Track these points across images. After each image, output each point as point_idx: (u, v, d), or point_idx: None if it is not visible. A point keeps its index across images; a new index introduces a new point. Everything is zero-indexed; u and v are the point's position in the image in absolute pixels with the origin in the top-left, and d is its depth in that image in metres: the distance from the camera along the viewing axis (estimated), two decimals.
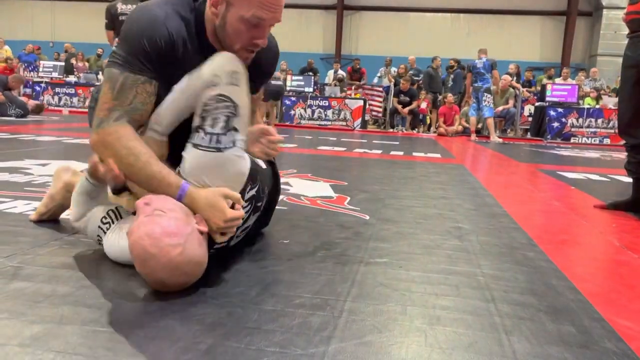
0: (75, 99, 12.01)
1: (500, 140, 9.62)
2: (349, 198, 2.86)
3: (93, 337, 1.07)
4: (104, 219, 1.57)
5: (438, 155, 6.06)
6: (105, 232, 1.56)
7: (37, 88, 12.02)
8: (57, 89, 12.13)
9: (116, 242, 1.51)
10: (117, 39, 6.34)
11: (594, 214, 2.88)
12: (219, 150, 1.40)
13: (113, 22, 5.96)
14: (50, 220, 1.98)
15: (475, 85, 9.54)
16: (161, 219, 1.30)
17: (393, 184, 3.59)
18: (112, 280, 1.42)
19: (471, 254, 1.88)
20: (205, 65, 1.45)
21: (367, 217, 2.40)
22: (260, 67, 1.69)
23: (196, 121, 1.42)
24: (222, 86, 1.41)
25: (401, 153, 6.23)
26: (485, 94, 9.48)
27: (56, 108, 11.84)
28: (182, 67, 1.47)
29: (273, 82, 8.03)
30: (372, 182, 3.59)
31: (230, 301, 1.30)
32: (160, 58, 1.45)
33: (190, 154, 1.43)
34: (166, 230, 1.28)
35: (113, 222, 1.56)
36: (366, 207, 2.63)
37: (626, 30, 2.87)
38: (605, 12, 15.19)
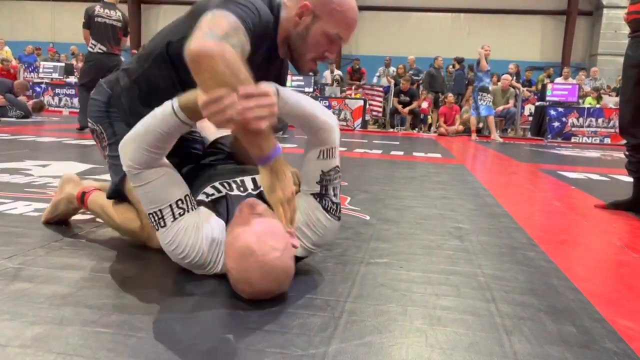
0: (75, 100, 11.99)
1: (501, 140, 9.62)
2: (349, 198, 2.86)
3: (94, 338, 1.07)
4: (179, 202, 1.37)
5: (438, 155, 6.06)
6: (175, 218, 1.36)
7: (38, 89, 12.02)
8: (58, 90, 12.14)
9: (189, 237, 1.36)
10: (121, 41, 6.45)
11: (595, 213, 2.88)
12: (339, 219, 1.53)
13: (89, 22, 6.29)
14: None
15: (474, 85, 9.56)
16: (269, 220, 1.31)
17: (393, 184, 3.59)
18: (112, 281, 1.42)
19: (472, 254, 1.88)
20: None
21: (368, 217, 2.40)
22: (283, 80, 1.79)
23: (315, 187, 1.48)
24: (337, 158, 1.53)
25: (401, 153, 6.23)
26: (481, 92, 9.46)
27: (56, 109, 11.85)
28: (251, 55, 1.42)
29: None
30: (372, 182, 3.59)
31: (230, 302, 1.30)
32: (258, 35, 1.43)
33: (322, 217, 1.49)
34: (272, 231, 1.28)
35: (188, 211, 1.39)
36: (367, 207, 2.63)
37: (627, 30, 2.87)
38: (605, 11, 15.18)
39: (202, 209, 1.45)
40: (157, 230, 1.38)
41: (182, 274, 1.45)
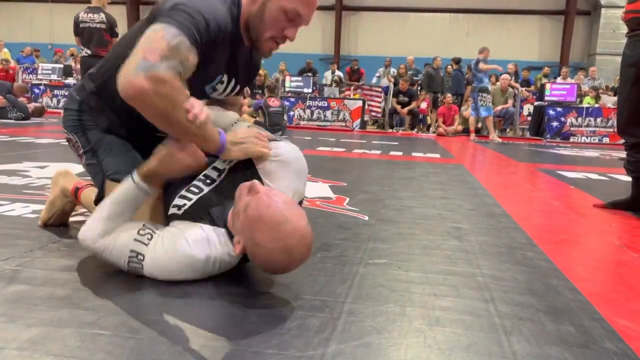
0: None
1: (499, 139, 9.62)
2: (348, 199, 2.86)
3: (91, 340, 1.07)
4: (140, 231, 1.39)
5: (437, 156, 6.06)
6: (146, 244, 1.38)
7: (36, 90, 12.01)
8: (56, 91, 12.12)
9: (171, 247, 1.37)
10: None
11: (594, 213, 2.88)
12: None
13: (76, 28, 6.45)
14: (56, 225, 1.96)
15: (473, 85, 9.55)
16: (280, 192, 1.37)
17: (392, 184, 3.59)
18: (110, 283, 1.41)
19: (470, 254, 1.88)
20: None
21: (367, 218, 2.40)
22: (255, 68, 1.79)
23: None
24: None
25: (400, 153, 6.22)
26: (481, 93, 9.46)
27: (55, 110, 11.82)
28: (217, 55, 1.50)
29: (273, 108, 8.11)
30: (371, 183, 3.59)
31: (229, 303, 1.30)
32: (209, 42, 1.40)
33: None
34: (291, 202, 1.36)
35: (154, 232, 1.40)
36: (365, 208, 2.63)
37: (625, 29, 2.86)
38: (603, 11, 15.19)
39: (175, 225, 1.45)
40: (142, 268, 1.39)
41: None
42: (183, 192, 1.48)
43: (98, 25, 6.42)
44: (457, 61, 12.54)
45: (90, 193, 1.79)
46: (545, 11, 16.53)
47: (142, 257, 1.37)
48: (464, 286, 1.53)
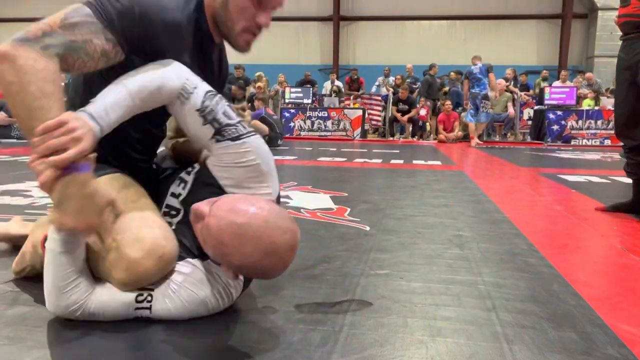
0: None
1: (481, 143, 9.71)
2: (349, 209, 2.86)
3: None
4: (139, 297, 1.23)
5: (438, 163, 6.07)
6: (149, 307, 1.23)
7: None
8: None
9: (179, 302, 1.24)
10: None
11: (595, 216, 2.87)
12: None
13: None
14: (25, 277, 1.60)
15: (473, 91, 9.54)
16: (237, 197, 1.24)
17: (393, 193, 3.59)
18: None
19: (472, 262, 1.88)
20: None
21: (368, 228, 2.40)
22: (222, 70, 1.60)
23: (208, 133, 1.29)
24: (197, 90, 1.32)
25: (401, 161, 6.23)
26: (484, 100, 9.50)
27: None
28: (167, 55, 1.29)
29: (275, 117, 8.16)
30: (372, 192, 3.59)
31: (230, 318, 1.30)
32: (149, 39, 1.25)
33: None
34: (237, 198, 1.22)
35: (152, 293, 1.24)
36: (366, 218, 2.63)
37: None
38: (600, 13, 15.22)
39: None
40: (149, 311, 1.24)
41: None
42: None
43: None
44: (460, 72, 12.67)
45: None
46: (542, 15, 16.57)
47: (149, 304, 1.24)
48: (465, 295, 1.52)
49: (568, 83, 11.67)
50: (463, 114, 11.05)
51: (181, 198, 1.38)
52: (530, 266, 1.84)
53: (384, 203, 3.12)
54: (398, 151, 8.01)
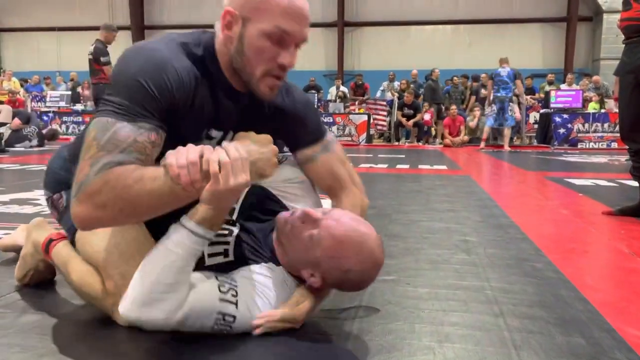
0: (83, 127, 12.14)
1: (509, 149, 9.65)
2: None
3: None
4: (221, 287, 1.18)
5: (444, 167, 6.06)
6: (234, 302, 1.18)
7: (45, 118, 12.17)
8: (65, 118, 12.30)
9: (261, 305, 1.22)
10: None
11: (602, 220, 2.86)
12: None
13: None
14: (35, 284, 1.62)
15: (499, 95, 9.43)
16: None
17: (399, 198, 3.59)
18: None
19: (479, 267, 1.88)
20: None
21: None
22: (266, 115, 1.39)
23: None
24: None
25: (407, 166, 6.23)
26: (511, 103, 9.53)
27: (64, 137, 11.96)
28: (192, 112, 1.23)
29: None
30: (378, 197, 3.60)
31: None
32: (168, 103, 1.16)
33: None
34: (350, 213, 1.34)
35: (234, 285, 1.21)
36: (373, 224, 2.61)
37: None
38: (605, 16, 15.19)
39: (244, 275, 1.26)
40: (231, 329, 1.20)
41: None
42: (210, 250, 1.27)
43: (89, 56, 7.12)
44: (467, 77, 12.70)
45: (64, 248, 1.45)
46: (547, 19, 16.55)
47: (232, 319, 1.18)
48: (473, 300, 1.53)
49: (574, 86, 11.64)
50: (469, 118, 11.05)
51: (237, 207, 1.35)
52: (537, 271, 1.84)
53: (390, 208, 3.13)
54: (404, 156, 8.01)
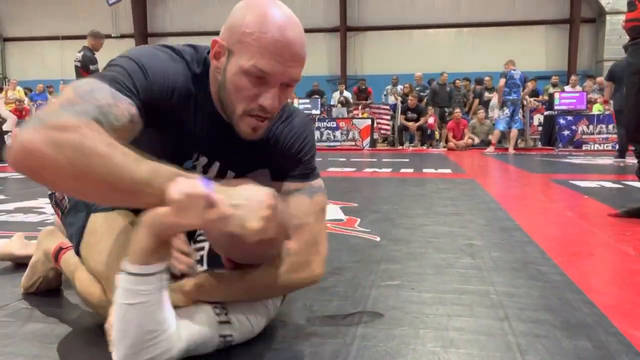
0: None
1: (514, 152, 9.63)
2: (359, 220, 2.86)
3: None
4: (215, 309, 1.13)
5: (448, 171, 6.05)
6: (231, 322, 1.14)
7: None
8: None
9: (254, 320, 1.19)
10: None
11: (608, 222, 2.85)
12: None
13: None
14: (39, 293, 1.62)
15: (511, 97, 9.40)
16: None
17: (404, 202, 3.58)
18: None
19: (484, 271, 1.87)
20: None
21: (378, 239, 2.40)
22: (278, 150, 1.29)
23: None
24: None
25: (411, 170, 6.22)
26: (520, 106, 9.56)
27: None
28: (171, 121, 1.16)
29: None
30: (382, 202, 3.59)
31: None
32: (155, 94, 1.09)
33: None
34: None
35: (226, 307, 1.15)
36: (377, 228, 2.63)
37: None
38: (608, 17, 15.17)
39: None
40: (232, 342, 1.16)
41: None
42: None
43: (76, 64, 7.10)
44: (469, 79, 12.71)
45: (73, 257, 1.41)
46: (550, 21, 16.54)
47: (231, 338, 1.15)
48: (478, 305, 1.52)
49: (578, 88, 11.61)
50: (473, 121, 11.03)
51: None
52: (542, 274, 1.82)
53: (394, 212, 3.12)
54: (408, 160, 8.01)
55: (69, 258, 1.43)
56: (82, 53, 7.03)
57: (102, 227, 1.25)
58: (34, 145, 0.86)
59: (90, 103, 0.96)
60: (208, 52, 1.18)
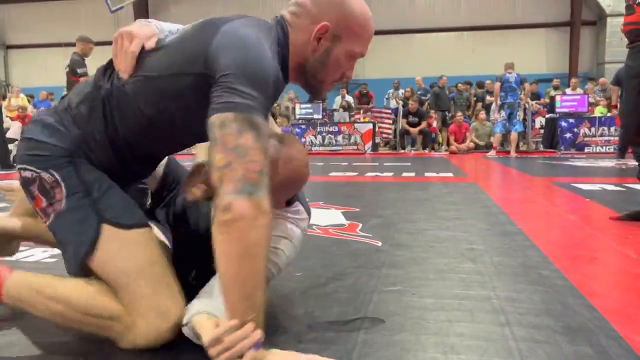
0: None
1: (516, 155, 9.62)
2: (361, 225, 2.86)
3: None
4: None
5: (450, 174, 6.05)
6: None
7: None
8: None
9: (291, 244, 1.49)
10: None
11: (610, 226, 2.84)
12: None
13: None
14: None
15: (508, 101, 9.41)
16: None
17: (405, 206, 3.58)
18: None
19: (485, 276, 1.87)
20: None
21: (380, 244, 2.40)
22: None
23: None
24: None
25: (413, 174, 6.22)
26: (519, 108, 9.55)
27: None
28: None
29: None
30: (384, 207, 3.59)
31: None
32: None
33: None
34: None
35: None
36: (378, 233, 2.63)
37: None
38: (609, 19, 15.17)
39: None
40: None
41: None
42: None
43: (66, 69, 7.18)
44: (470, 83, 12.71)
45: (25, 279, 1.33)
46: (551, 23, 16.55)
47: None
48: (479, 310, 1.52)
49: (578, 90, 11.60)
50: (474, 124, 11.03)
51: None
52: (544, 279, 1.82)
53: (396, 217, 3.12)
54: (409, 164, 8.01)
55: (23, 280, 1.32)
56: (70, 58, 7.09)
57: (122, 235, 1.26)
58: (244, 218, 1.04)
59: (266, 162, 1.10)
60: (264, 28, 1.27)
